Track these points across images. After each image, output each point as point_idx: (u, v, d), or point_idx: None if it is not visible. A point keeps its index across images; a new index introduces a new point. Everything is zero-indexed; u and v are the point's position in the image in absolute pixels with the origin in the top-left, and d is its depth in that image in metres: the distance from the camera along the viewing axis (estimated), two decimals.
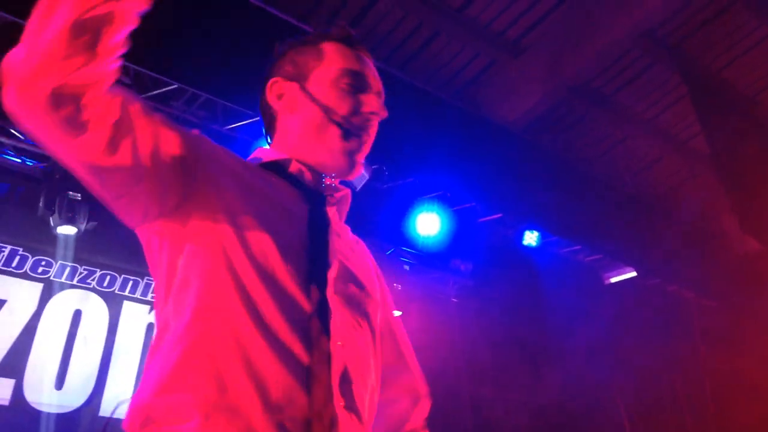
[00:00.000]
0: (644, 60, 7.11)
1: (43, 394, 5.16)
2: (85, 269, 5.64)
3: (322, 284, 1.35)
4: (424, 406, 1.74)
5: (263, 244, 1.32)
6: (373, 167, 5.81)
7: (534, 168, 7.03)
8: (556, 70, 6.50)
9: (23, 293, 5.31)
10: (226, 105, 5.35)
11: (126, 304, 5.78)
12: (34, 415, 5.07)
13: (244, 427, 1.16)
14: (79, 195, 5.26)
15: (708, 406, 8.37)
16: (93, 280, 5.66)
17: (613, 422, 7.87)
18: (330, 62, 1.58)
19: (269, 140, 1.66)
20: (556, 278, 7.68)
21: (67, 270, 5.54)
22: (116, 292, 5.75)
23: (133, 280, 5.85)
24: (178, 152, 1.30)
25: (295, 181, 1.52)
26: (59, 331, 5.39)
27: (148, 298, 5.89)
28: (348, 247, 1.56)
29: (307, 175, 1.55)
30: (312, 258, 1.38)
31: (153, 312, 5.82)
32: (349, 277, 1.46)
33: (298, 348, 1.25)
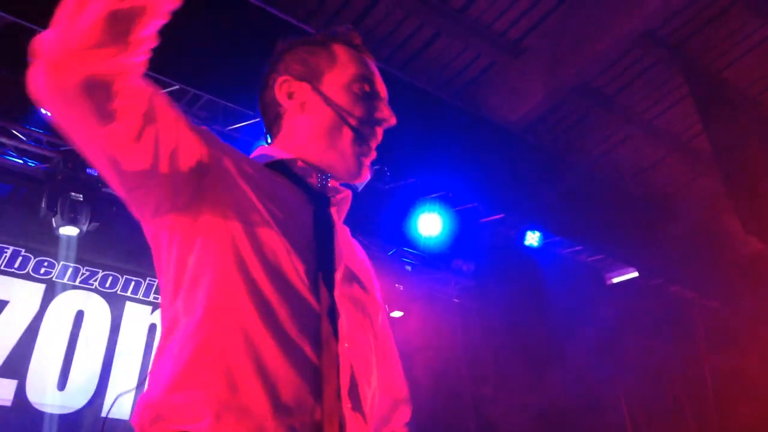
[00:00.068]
0: (646, 60, 7.11)
1: (46, 395, 5.17)
2: (87, 270, 5.65)
3: (330, 286, 1.35)
4: (405, 410, 1.74)
5: (273, 243, 1.32)
6: (374, 168, 5.81)
7: (535, 168, 7.04)
8: (557, 70, 6.50)
9: (25, 294, 5.32)
10: (228, 106, 5.35)
11: (128, 304, 5.78)
12: (37, 415, 5.07)
13: (255, 429, 1.16)
14: (81, 196, 5.26)
15: (710, 407, 8.36)
16: (95, 280, 5.67)
17: (615, 422, 7.87)
18: (343, 66, 1.59)
19: (270, 138, 1.66)
20: (557, 279, 7.68)
21: (70, 271, 5.55)
22: (118, 292, 5.76)
23: (135, 280, 5.86)
24: (195, 148, 1.31)
25: (299, 181, 1.52)
26: (61, 331, 5.40)
27: (150, 298, 5.90)
28: (349, 249, 1.57)
29: (312, 176, 1.55)
30: (319, 259, 1.38)
31: (155, 312, 5.84)
32: (352, 278, 1.47)
33: (307, 349, 1.26)
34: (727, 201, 6.91)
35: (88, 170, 5.32)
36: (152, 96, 1.22)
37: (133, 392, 5.53)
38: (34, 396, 5.11)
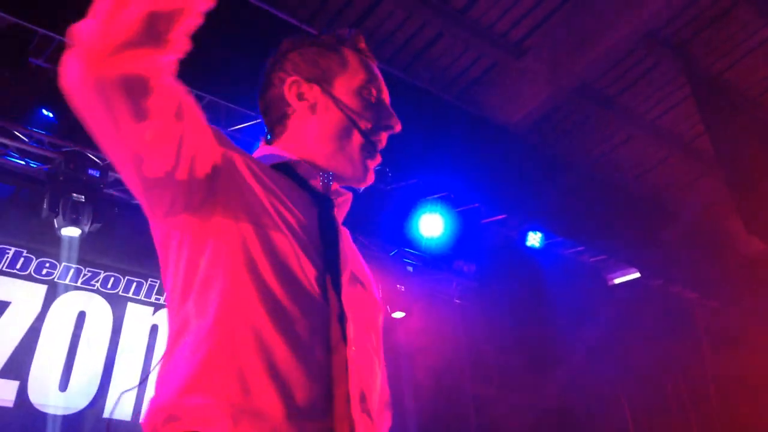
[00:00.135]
0: (648, 61, 7.09)
1: (48, 396, 5.17)
2: (89, 271, 5.66)
3: (338, 289, 1.36)
4: (388, 416, 1.74)
5: (283, 246, 1.32)
6: (376, 169, 5.81)
7: (537, 169, 7.03)
8: (559, 71, 6.49)
9: (27, 295, 5.33)
10: (230, 107, 5.36)
11: (130, 305, 5.79)
12: (39, 416, 5.08)
13: None
14: (83, 197, 5.27)
15: (712, 408, 8.35)
16: (97, 281, 5.68)
17: (617, 423, 7.86)
18: (354, 70, 1.60)
19: (272, 137, 1.65)
20: (559, 279, 7.67)
21: (71, 272, 5.56)
22: (120, 293, 5.76)
23: (137, 281, 5.86)
24: (213, 150, 1.32)
25: (302, 183, 1.52)
26: (63, 332, 5.40)
27: (152, 299, 5.90)
28: (351, 251, 1.57)
29: (317, 179, 1.55)
30: (326, 262, 1.38)
31: (157, 313, 5.84)
32: (356, 280, 1.48)
33: (318, 353, 1.26)
34: (729, 201, 6.90)
35: (89, 171, 5.33)
36: (182, 95, 1.23)
37: (135, 393, 5.54)
38: (36, 397, 5.11)
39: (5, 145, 5.29)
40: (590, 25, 6.23)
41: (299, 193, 1.48)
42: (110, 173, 5.46)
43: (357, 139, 1.55)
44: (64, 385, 5.28)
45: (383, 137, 1.61)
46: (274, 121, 1.64)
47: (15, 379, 5.07)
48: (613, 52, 6.42)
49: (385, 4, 6.12)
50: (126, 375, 5.57)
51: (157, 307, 5.92)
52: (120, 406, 5.42)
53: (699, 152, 8.21)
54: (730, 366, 7.84)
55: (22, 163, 5.42)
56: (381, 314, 1.58)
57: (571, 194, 7.08)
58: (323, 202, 1.50)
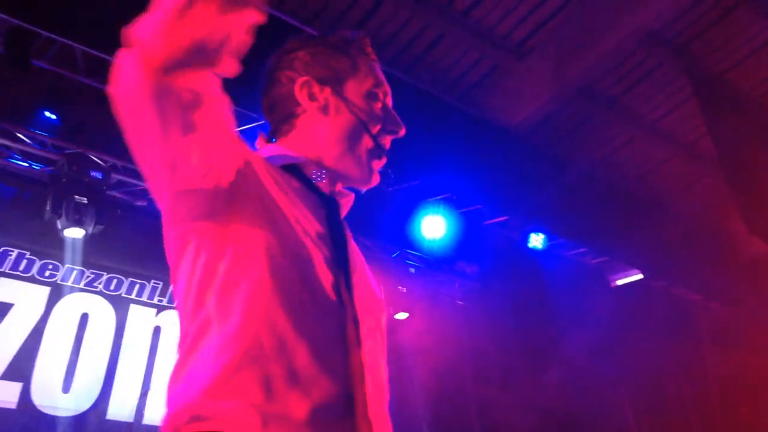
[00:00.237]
0: (650, 61, 7.09)
1: (51, 398, 5.18)
2: (91, 273, 5.67)
3: (351, 291, 1.37)
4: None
5: (303, 251, 1.34)
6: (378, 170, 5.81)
7: (539, 170, 7.03)
8: (561, 72, 6.49)
9: (30, 297, 5.34)
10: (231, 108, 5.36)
11: (132, 307, 5.80)
12: (42, 418, 5.09)
13: None
14: (86, 199, 5.28)
15: (714, 409, 8.34)
16: (100, 283, 5.69)
17: (620, 425, 7.85)
18: (364, 74, 1.61)
19: (276, 136, 1.66)
20: (561, 281, 7.67)
21: (74, 273, 5.57)
22: (123, 295, 5.77)
23: (139, 283, 5.87)
24: (237, 155, 1.34)
25: (310, 184, 1.53)
26: (66, 334, 5.41)
27: (155, 301, 5.91)
28: (356, 252, 1.58)
29: (323, 180, 1.56)
30: (338, 264, 1.39)
31: (160, 315, 5.85)
32: (363, 282, 1.48)
33: (336, 357, 1.28)
34: (731, 202, 6.89)
35: (92, 173, 5.34)
36: (226, 108, 1.26)
37: (136, 396, 5.54)
38: (39, 398, 5.12)
39: (8, 147, 5.30)
40: (592, 26, 6.23)
41: (308, 195, 1.49)
42: (113, 175, 5.47)
43: (367, 141, 1.57)
44: (67, 386, 5.29)
45: (388, 141, 1.63)
46: (281, 120, 1.64)
47: (18, 380, 5.08)
48: (615, 53, 6.41)
49: (387, 6, 6.12)
50: (129, 377, 5.58)
51: (160, 308, 5.93)
52: (120, 407, 5.43)
53: (701, 153, 8.20)
54: (732, 367, 7.83)
55: (25, 165, 5.43)
56: (385, 314, 1.59)
57: (574, 195, 7.07)
58: (331, 204, 1.51)
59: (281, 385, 1.21)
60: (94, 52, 4.80)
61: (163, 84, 1.12)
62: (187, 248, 1.35)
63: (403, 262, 7.20)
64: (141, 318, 5.81)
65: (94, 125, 5.60)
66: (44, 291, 5.41)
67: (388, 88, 1.65)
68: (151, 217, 5.88)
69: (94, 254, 5.64)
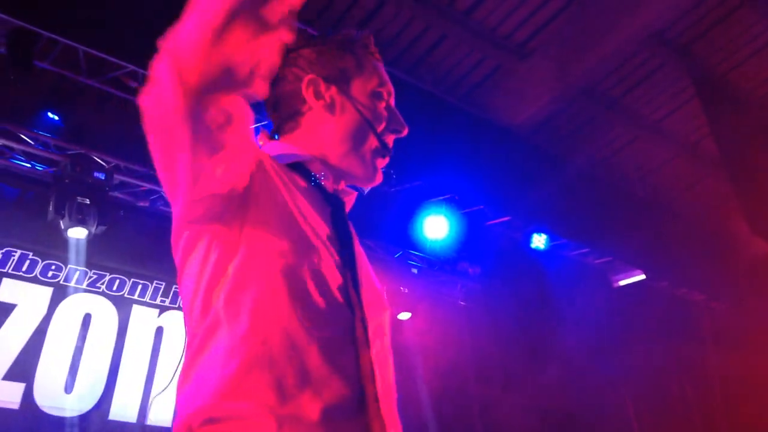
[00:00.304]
0: (653, 62, 7.10)
1: (54, 398, 5.19)
2: (94, 273, 5.67)
3: (358, 291, 1.37)
4: None
5: (312, 251, 1.34)
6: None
7: (541, 170, 7.03)
8: (564, 72, 6.49)
9: (33, 297, 5.34)
10: None
11: (135, 307, 5.80)
12: (44, 418, 5.09)
13: None
14: (88, 200, 5.28)
15: (716, 408, 8.34)
16: (102, 284, 5.69)
17: (622, 424, 7.85)
18: (369, 73, 1.62)
19: (280, 133, 1.65)
20: (564, 281, 7.67)
21: (77, 274, 5.57)
22: (125, 295, 5.78)
23: (142, 284, 5.88)
24: (252, 158, 1.34)
25: (315, 182, 1.54)
26: (69, 334, 5.42)
27: (157, 301, 5.92)
28: (360, 251, 1.58)
29: (328, 178, 1.56)
30: (345, 264, 1.39)
31: (162, 315, 5.85)
32: (368, 282, 1.49)
33: (347, 357, 1.28)
34: (734, 202, 6.90)
35: (95, 174, 5.34)
36: (250, 122, 1.26)
37: (139, 396, 5.55)
38: (41, 399, 5.13)
39: (11, 148, 5.31)
40: (594, 27, 6.23)
41: (314, 194, 1.49)
42: (115, 176, 5.48)
43: (372, 140, 1.58)
44: (69, 387, 5.29)
45: (391, 140, 1.63)
46: (285, 117, 1.64)
47: (21, 381, 5.09)
48: (618, 53, 6.42)
49: (389, 6, 6.13)
50: (131, 377, 5.59)
51: (163, 309, 5.93)
52: (123, 408, 5.44)
53: (703, 153, 8.21)
54: (735, 367, 7.82)
55: (28, 165, 5.44)
56: (388, 314, 1.59)
57: (576, 196, 7.07)
58: (335, 203, 1.52)
59: (293, 386, 1.21)
60: (97, 53, 4.80)
61: (198, 106, 1.11)
62: (197, 248, 1.34)
63: (405, 263, 7.20)
64: (144, 318, 5.82)
65: (97, 126, 5.61)
66: (47, 291, 5.42)
67: (391, 88, 1.65)
68: (154, 217, 5.89)
69: (97, 255, 5.65)
